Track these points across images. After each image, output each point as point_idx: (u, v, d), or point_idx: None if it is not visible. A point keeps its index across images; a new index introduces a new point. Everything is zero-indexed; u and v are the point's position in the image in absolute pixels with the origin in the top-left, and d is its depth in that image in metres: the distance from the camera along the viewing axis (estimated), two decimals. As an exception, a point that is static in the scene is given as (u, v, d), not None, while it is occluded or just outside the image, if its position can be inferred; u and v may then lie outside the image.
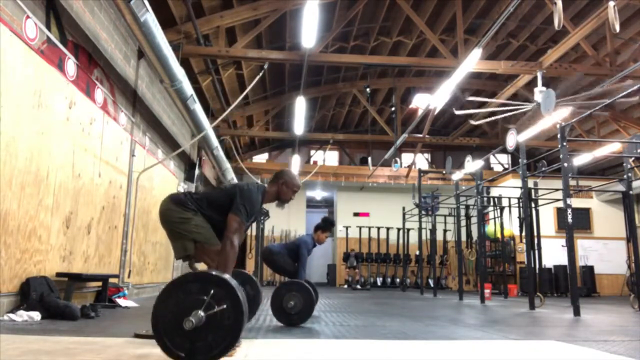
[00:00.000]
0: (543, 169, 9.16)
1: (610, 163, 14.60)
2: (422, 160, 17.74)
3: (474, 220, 12.80)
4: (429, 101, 11.05)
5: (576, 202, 11.66)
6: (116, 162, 6.55)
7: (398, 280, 15.78)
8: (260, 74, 9.26)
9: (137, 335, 3.27)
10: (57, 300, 4.37)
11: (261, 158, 17.66)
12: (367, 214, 17.05)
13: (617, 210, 13.38)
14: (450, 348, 3.29)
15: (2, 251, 3.96)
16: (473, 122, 11.18)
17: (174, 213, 2.80)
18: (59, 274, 4.86)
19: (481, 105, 11.37)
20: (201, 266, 2.95)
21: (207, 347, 2.25)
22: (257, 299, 2.89)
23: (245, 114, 13.80)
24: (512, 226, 12.40)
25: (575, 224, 6.43)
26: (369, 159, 15.20)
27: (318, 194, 18.85)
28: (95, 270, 5.92)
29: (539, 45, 11.13)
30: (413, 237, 14.38)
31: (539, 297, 7.54)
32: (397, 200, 15.58)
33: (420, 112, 11.75)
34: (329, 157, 17.59)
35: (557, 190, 8.87)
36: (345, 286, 15.40)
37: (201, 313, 2.24)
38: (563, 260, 11.56)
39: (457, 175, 11.50)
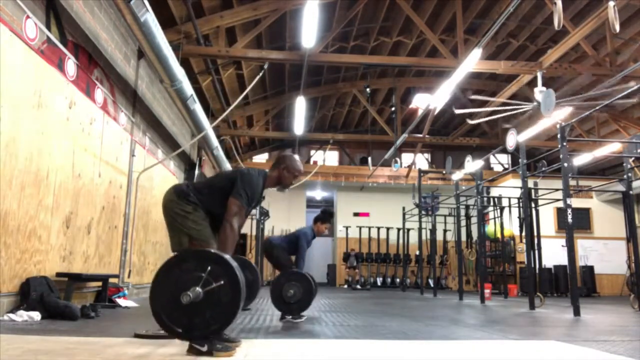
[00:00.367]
0: (543, 169, 9.16)
1: (610, 163, 14.60)
2: (422, 160, 17.74)
3: (474, 220, 12.81)
4: (429, 101, 11.06)
5: (576, 202, 11.65)
6: (116, 162, 6.55)
7: (398, 280, 15.78)
8: (260, 74, 9.26)
9: (137, 335, 3.26)
10: (57, 300, 4.37)
11: (261, 158, 17.66)
12: (367, 214, 17.05)
13: (617, 210, 13.39)
14: (450, 348, 3.29)
15: (2, 251, 3.96)
16: (471, 121, 11.18)
17: (175, 205, 2.79)
18: (59, 274, 4.86)
19: (481, 104, 11.38)
20: None
21: (204, 323, 2.27)
22: (256, 284, 2.93)
23: (245, 114, 13.80)
24: (512, 226, 12.40)
25: (575, 224, 6.43)
26: (369, 159, 15.20)
27: (318, 194, 18.85)
28: (95, 270, 5.92)
29: (539, 45, 11.13)
30: (413, 237, 14.38)
31: (539, 297, 7.54)
32: (397, 200, 15.58)
33: (420, 112, 11.75)
34: (329, 157, 17.59)
35: (557, 190, 8.87)
36: (345, 286, 15.40)
37: (199, 289, 2.25)
38: (563, 260, 11.55)
39: (457, 175, 11.50)
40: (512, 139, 7.95)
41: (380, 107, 15.18)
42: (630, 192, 7.61)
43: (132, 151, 7.11)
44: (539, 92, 8.45)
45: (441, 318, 5.43)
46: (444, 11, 10.23)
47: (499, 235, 12.57)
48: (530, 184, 8.95)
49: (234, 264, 2.36)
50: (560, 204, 8.99)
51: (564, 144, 6.40)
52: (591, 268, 13.48)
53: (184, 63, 8.50)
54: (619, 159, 11.72)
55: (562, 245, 10.48)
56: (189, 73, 8.56)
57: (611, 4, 6.47)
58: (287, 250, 4.93)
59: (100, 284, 5.77)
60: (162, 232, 8.46)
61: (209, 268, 2.28)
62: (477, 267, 13.13)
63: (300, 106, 9.99)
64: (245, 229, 14.63)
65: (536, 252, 8.18)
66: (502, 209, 12.74)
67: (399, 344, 3.36)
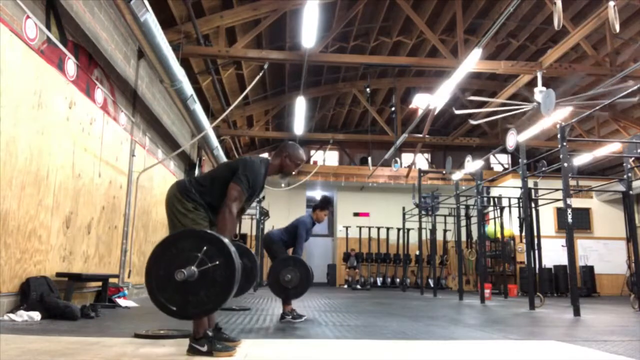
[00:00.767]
0: (543, 169, 9.16)
1: (610, 163, 14.60)
2: (422, 160, 17.74)
3: (474, 220, 12.81)
4: (429, 101, 11.05)
5: (576, 202, 11.66)
6: (116, 162, 6.55)
7: (398, 280, 15.78)
8: (260, 74, 9.26)
9: (137, 335, 3.27)
10: (57, 300, 4.37)
11: (261, 158, 17.65)
12: (367, 214, 17.05)
13: (617, 210, 13.39)
14: (450, 348, 3.29)
15: (2, 251, 3.96)
16: (472, 122, 11.19)
17: (177, 202, 2.78)
18: (59, 274, 4.86)
19: (481, 105, 11.37)
20: None
21: (199, 302, 2.29)
22: (254, 270, 2.94)
23: (245, 114, 13.80)
24: (512, 226, 12.40)
25: (575, 224, 6.43)
26: (369, 159, 15.20)
27: (318, 194, 18.83)
28: (95, 270, 5.92)
29: (539, 45, 11.13)
30: (413, 237, 14.38)
31: (539, 297, 7.54)
32: (397, 200, 15.59)
33: (420, 112, 11.75)
34: (329, 157, 17.59)
35: (557, 190, 8.87)
36: (345, 286, 15.40)
37: (194, 268, 2.26)
38: (563, 260, 11.57)
39: (457, 175, 11.50)
40: (512, 139, 7.95)
41: (380, 107, 15.18)
42: (630, 192, 7.60)
43: (132, 151, 7.11)
44: (539, 92, 8.45)
45: (441, 318, 5.43)
46: (444, 11, 10.23)
47: (499, 235, 12.57)
48: (530, 184, 8.95)
49: (230, 245, 2.37)
50: (560, 204, 8.99)
51: (564, 144, 6.40)
52: (591, 268, 13.48)
53: (184, 63, 8.50)
54: (619, 159, 11.72)
55: (562, 245, 10.51)
56: (189, 73, 8.57)
57: (611, 4, 6.47)
58: (287, 242, 4.92)
59: (100, 284, 5.77)
60: (162, 232, 8.46)
61: (205, 248, 2.29)
62: (477, 267, 13.14)
63: (300, 106, 9.99)
64: (245, 229, 14.62)
65: (536, 252, 8.18)
66: (502, 209, 12.74)
67: (399, 344, 3.36)
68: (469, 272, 15.30)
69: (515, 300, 10.12)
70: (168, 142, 9.40)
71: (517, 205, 11.88)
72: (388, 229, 16.33)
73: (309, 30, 6.81)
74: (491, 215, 13.78)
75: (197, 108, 7.88)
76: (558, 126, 6.60)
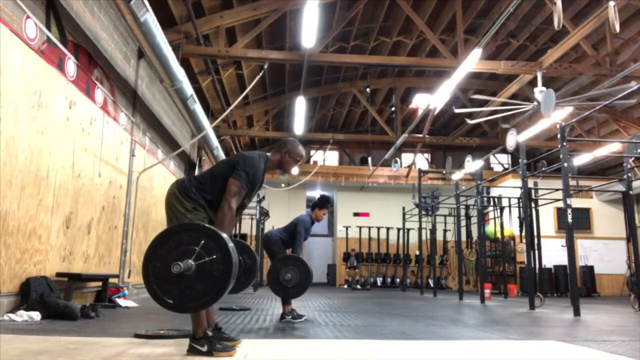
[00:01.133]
0: (543, 169, 9.16)
1: (610, 163, 14.60)
2: (422, 160, 17.74)
3: (474, 220, 12.81)
4: (429, 101, 11.06)
5: (576, 202, 11.67)
6: (116, 162, 6.55)
7: (398, 280, 15.78)
8: (260, 74, 9.26)
9: (137, 335, 3.27)
10: (57, 300, 4.37)
11: (261, 158, 17.65)
12: (367, 214, 17.05)
13: (617, 210, 13.39)
14: (450, 348, 3.29)
15: (2, 251, 3.96)
16: (471, 121, 11.19)
17: (176, 202, 2.77)
18: (59, 274, 4.86)
19: (481, 104, 11.38)
20: None
21: (195, 296, 2.29)
22: (254, 268, 2.95)
23: (245, 114, 13.80)
24: (512, 226, 12.40)
25: (575, 224, 6.43)
26: (369, 159, 15.20)
27: (318, 194, 18.79)
28: (95, 270, 5.92)
29: (539, 45, 11.13)
30: (413, 237, 14.39)
31: (539, 297, 7.54)
32: (397, 200, 15.59)
33: (420, 112, 11.75)
34: (329, 157, 17.59)
35: (557, 190, 8.87)
36: (345, 286, 15.40)
37: (191, 262, 2.26)
38: (563, 260, 11.57)
39: (457, 175, 11.50)
40: (512, 139, 7.95)
41: (380, 107, 15.18)
42: (630, 192, 7.61)
43: (132, 151, 7.11)
44: (539, 92, 8.45)
45: (441, 318, 5.43)
46: (444, 11, 10.23)
47: (499, 235, 12.57)
48: (530, 184, 8.95)
49: (229, 240, 2.37)
50: (560, 204, 8.99)
51: (564, 144, 6.40)
52: (591, 268, 13.48)
53: (184, 63, 8.51)
54: (619, 159, 11.73)
55: (562, 245, 10.51)
56: (189, 73, 8.57)
57: (611, 4, 6.47)
58: (287, 241, 4.91)
59: (100, 284, 5.77)
60: (162, 232, 8.45)
61: (203, 242, 2.29)
62: (477, 267, 13.13)
63: (300, 106, 9.99)
64: (245, 229, 14.62)
65: (536, 252, 8.18)
66: (502, 209, 12.74)
67: (399, 344, 3.36)
68: (469, 272, 15.30)
69: (515, 300, 10.12)
70: (168, 142, 9.40)
71: (517, 205, 11.88)
72: (388, 229, 16.33)
73: (309, 30, 6.81)
74: (491, 215, 13.78)
75: (197, 108, 7.88)
76: (558, 126, 6.60)
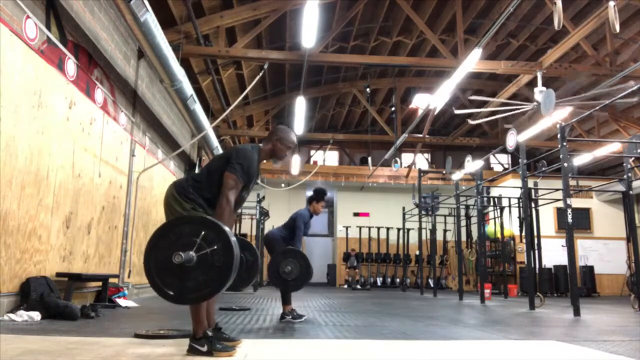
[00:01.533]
0: (543, 169, 9.16)
1: (610, 163, 14.60)
2: (422, 160, 17.74)
3: (474, 220, 12.80)
4: (429, 101, 11.05)
5: (576, 202, 11.66)
6: (116, 162, 6.55)
7: (398, 280, 15.77)
8: (260, 74, 9.26)
9: (137, 335, 3.27)
10: (57, 300, 4.37)
11: (261, 158, 17.65)
12: (367, 214, 17.04)
13: (617, 210, 13.39)
14: (450, 348, 3.29)
15: (2, 251, 3.96)
16: (471, 122, 11.19)
17: (175, 204, 2.77)
18: (59, 274, 4.86)
19: (481, 104, 11.38)
20: None
21: (197, 287, 2.29)
22: (256, 264, 2.95)
23: (245, 114, 13.80)
24: (512, 226, 12.40)
25: (575, 224, 6.43)
26: (369, 159, 15.20)
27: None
28: (95, 270, 5.92)
29: (539, 45, 11.13)
30: (413, 237, 14.38)
31: (539, 297, 7.54)
32: (397, 200, 15.59)
33: (420, 112, 11.75)
34: (329, 157, 17.59)
35: (557, 190, 8.87)
36: (345, 286, 15.39)
37: (192, 253, 2.26)
38: (563, 260, 11.56)
39: (457, 175, 11.50)
40: (512, 139, 7.95)
41: (380, 107, 15.18)
42: (630, 192, 7.61)
43: (132, 151, 7.11)
44: (539, 92, 8.45)
45: (441, 318, 5.43)
46: (444, 11, 10.23)
47: (499, 235, 12.57)
48: (530, 184, 8.95)
49: (230, 232, 2.37)
50: (560, 204, 8.99)
51: (564, 144, 6.40)
52: (591, 268, 13.48)
53: (184, 63, 8.51)
54: (619, 159, 11.72)
55: (562, 245, 10.51)
56: (189, 73, 8.57)
57: (611, 4, 6.47)
58: (287, 238, 4.91)
59: (100, 284, 5.76)
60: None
61: (203, 233, 2.29)
62: (477, 267, 13.13)
63: (300, 106, 9.98)
64: (245, 229, 14.62)
65: (536, 252, 8.18)
66: (502, 209, 12.74)
67: (399, 344, 3.36)
68: (469, 272, 15.30)
69: (515, 300, 10.12)
70: (168, 142, 9.40)
71: (517, 205, 11.88)
72: (388, 229, 16.33)
73: (309, 30, 6.81)
74: (491, 215, 13.78)
75: (197, 108, 7.88)
76: (558, 126, 6.60)
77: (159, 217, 8.55)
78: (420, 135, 13.81)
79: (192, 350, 2.60)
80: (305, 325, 4.38)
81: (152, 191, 8.22)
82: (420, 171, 12.42)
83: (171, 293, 2.30)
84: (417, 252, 12.86)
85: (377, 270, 16.23)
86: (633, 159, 7.73)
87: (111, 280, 6.04)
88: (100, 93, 6.02)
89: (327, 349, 3.12)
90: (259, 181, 13.88)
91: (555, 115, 8.96)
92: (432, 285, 11.70)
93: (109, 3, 6.00)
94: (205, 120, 8.53)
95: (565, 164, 6.39)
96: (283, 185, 15.44)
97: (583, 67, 9.94)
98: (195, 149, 11.97)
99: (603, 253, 14.25)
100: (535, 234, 8.60)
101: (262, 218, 12.81)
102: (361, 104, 14.51)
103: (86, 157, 5.56)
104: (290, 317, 4.63)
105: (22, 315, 4.00)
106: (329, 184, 16.56)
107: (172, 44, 6.68)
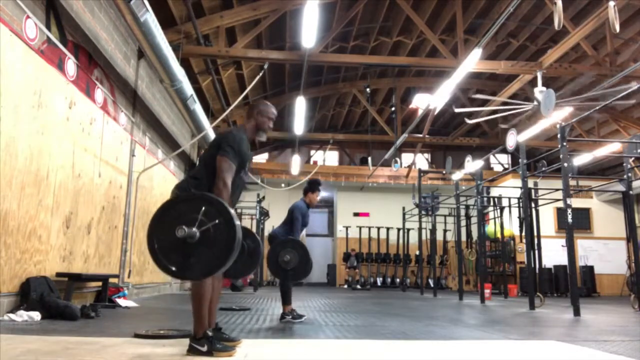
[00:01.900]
0: (543, 169, 9.16)
1: (610, 163, 14.60)
2: (422, 160, 17.75)
3: (474, 220, 12.80)
4: (429, 101, 11.06)
5: (576, 202, 11.65)
6: (116, 162, 6.55)
7: (398, 280, 15.78)
8: (260, 74, 9.26)
9: (137, 335, 3.27)
10: (57, 300, 4.37)
11: (261, 158, 17.67)
12: (367, 214, 17.05)
13: (617, 210, 13.39)
14: (450, 348, 3.29)
15: (2, 251, 3.96)
16: (470, 121, 11.19)
17: None
18: (59, 274, 4.86)
19: (481, 104, 11.38)
20: None
21: (200, 262, 2.30)
22: (258, 250, 2.96)
23: (245, 114, 13.79)
24: (512, 226, 12.40)
25: (575, 224, 6.43)
26: (369, 159, 15.20)
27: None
28: (95, 270, 5.92)
29: (539, 45, 11.13)
30: (413, 237, 14.38)
31: (539, 297, 7.54)
32: (397, 200, 15.58)
33: (420, 112, 11.75)
34: (329, 157, 17.59)
35: (557, 190, 8.86)
36: (345, 286, 15.40)
37: (195, 229, 2.26)
38: (563, 260, 11.56)
39: (457, 175, 11.50)
40: (512, 139, 7.95)
41: (380, 107, 15.18)
42: (630, 192, 7.60)
43: (132, 151, 7.11)
44: (539, 92, 8.45)
45: (441, 318, 5.43)
46: (444, 11, 10.24)
47: (499, 235, 12.57)
48: (530, 184, 8.95)
49: (228, 205, 2.38)
50: (560, 204, 8.99)
51: (564, 144, 6.40)
52: (591, 268, 13.48)
53: (184, 63, 8.51)
54: (619, 159, 11.72)
55: (562, 245, 10.50)
56: (189, 73, 8.57)
57: (611, 4, 6.47)
58: (289, 232, 4.92)
59: (100, 284, 5.76)
60: (162, 232, 8.44)
61: (204, 209, 2.31)
62: (477, 267, 13.13)
63: (300, 106, 9.99)
64: (245, 229, 14.59)
65: (536, 252, 8.18)
66: (502, 209, 12.74)
67: (399, 344, 3.36)
68: (469, 272, 15.30)
69: (515, 300, 10.12)
70: (168, 142, 9.40)
71: (517, 205, 11.88)
72: (388, 229, 16.33)
73: (309, 30, 6.81)
74: (491, 215, 13.78)
75: (197, 108, 7.89)
76: (558, 126, 6.60)
77: (159, 217, 8.53)
78: (420, 135, 13.81)
79: (192, 350, 2.60)
80: (305, 325, 4.38)
81: (152, 191, 8.22)
82: (420, 171, 12.42)
83: (173, 269, 2.30)
84: (417, 252, 12.86)
85: (377, 270, 16.23)
86: (633, 159, 7.73)
87: (111, 280, 6.04)
88: (100, 93, 6.02)
89: (327, 349, 3.12)
90: (258, 181, 13.90)
91: (555, 115, 8.96)
92: (432, 285, 11.70)
93: (109, 3, 6.01)
94: (205, 120, 8.53)
95: (565, 164, 6.39)
96: (283, 185, 15.44)
97: (583, 67, 9.94)
98: (195, 149, 11.97)
99: (603, 253, 14.25)
100: (535, 234, 8.60)
101: (262, 218, 12.82)
102: (361, 104, 14.51)
103: (86, 157, 5.56)
104: (290, 317, 4.63)
105: (22, 315, 3.99)
106: (329, 184, 16.57)
107: (172, 44, 6.68)
